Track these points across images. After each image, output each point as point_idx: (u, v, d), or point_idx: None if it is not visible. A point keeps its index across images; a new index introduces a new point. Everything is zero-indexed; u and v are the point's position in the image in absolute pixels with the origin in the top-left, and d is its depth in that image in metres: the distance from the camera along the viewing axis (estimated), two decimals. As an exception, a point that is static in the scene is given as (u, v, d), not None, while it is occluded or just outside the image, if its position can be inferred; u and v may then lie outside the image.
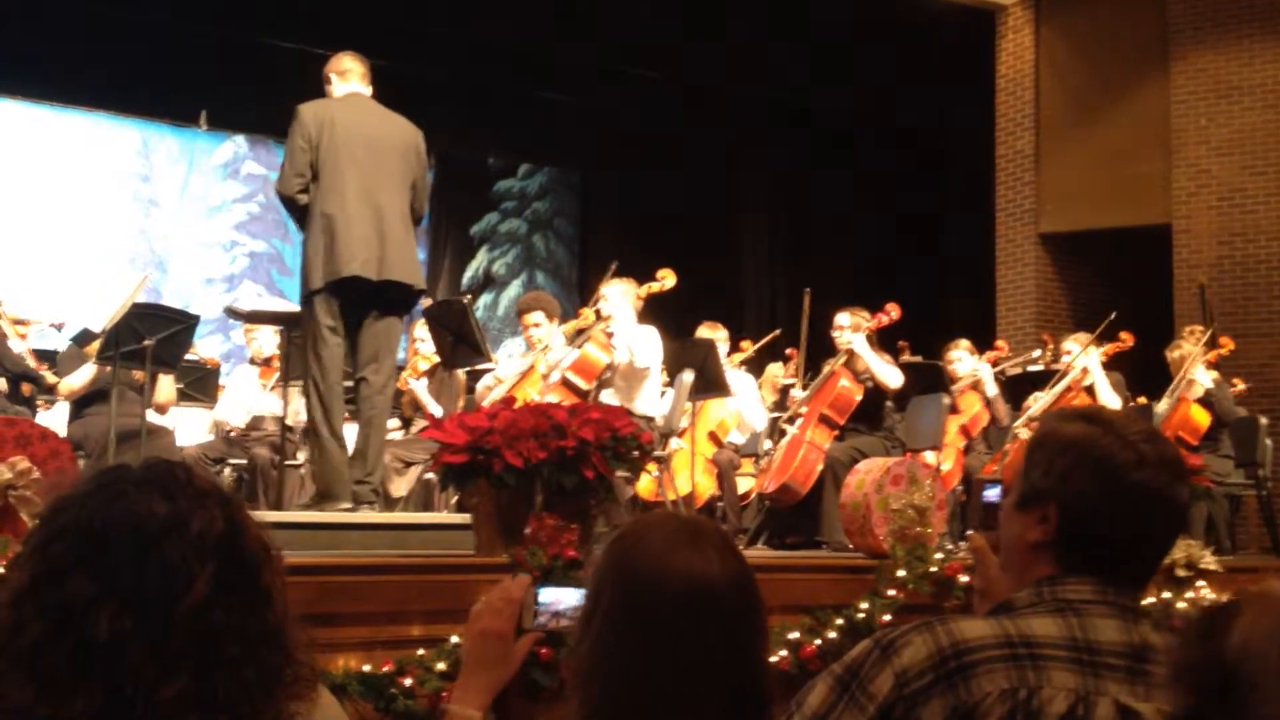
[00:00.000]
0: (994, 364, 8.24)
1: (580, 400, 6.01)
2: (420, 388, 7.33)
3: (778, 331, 9.13)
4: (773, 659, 3.97)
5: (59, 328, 7.41)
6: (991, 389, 7.75)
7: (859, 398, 6.66)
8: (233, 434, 7.18)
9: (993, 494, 2.13)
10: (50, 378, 6.53)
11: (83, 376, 6.53)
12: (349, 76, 5.32)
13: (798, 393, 7.11)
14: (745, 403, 7.42)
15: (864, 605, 4.47)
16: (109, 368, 6.37)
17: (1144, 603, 1.78)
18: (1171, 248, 10.87)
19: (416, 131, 5.34)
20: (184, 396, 7.39)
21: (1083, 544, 1.64)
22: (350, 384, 5.34)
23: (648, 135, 13.18)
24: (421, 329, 7.46)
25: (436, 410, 6.95)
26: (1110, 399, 7.09)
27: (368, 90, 5.36)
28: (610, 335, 6.40)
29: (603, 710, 1.47)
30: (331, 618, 3.39)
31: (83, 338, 6.51)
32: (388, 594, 3.62)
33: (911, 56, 11.89)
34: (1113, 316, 7.72)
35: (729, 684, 1.47)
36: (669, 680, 1.45)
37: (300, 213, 5.20)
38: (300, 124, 5.11)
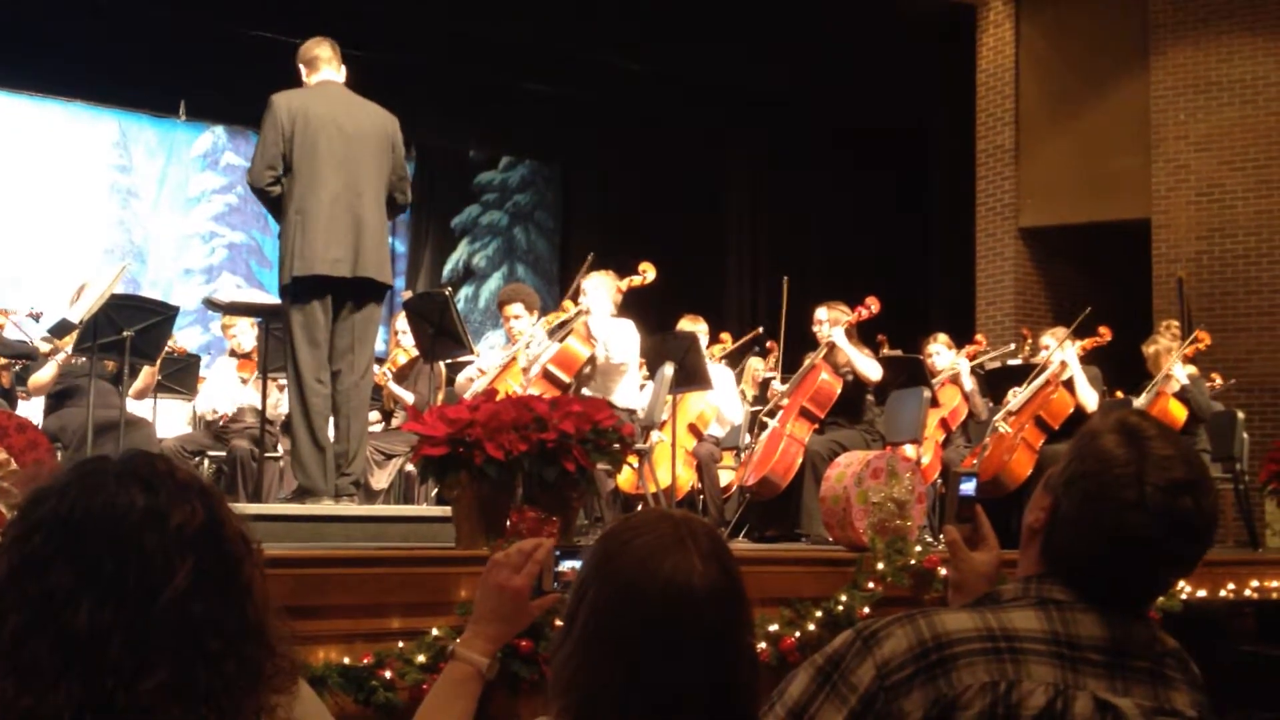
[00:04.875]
0: (972, 358, 8.27)
1: (561, 393, 6.01)
2: (395, 386, 7.32)
3: (759, 330, 9.14)
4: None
5: (36, 318, 7.36)
6: (969, 383, 7.78)
7: (839, 391, 6.68)
8: (221, 421, 7.15)
9: (968, 487, 2.13)
10: (44, 346, 6.49)
11: (48, 371, 6.48)
12: (319, 64, 5.27)
13: (778, 385, 7.13)
14: (723, 397, 7.43)
15: (843, 598, 4.48)
16: (75, 360, 6.34)
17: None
18: (1150, 242, 10.92)
19: (392, 119, 5.29)
20: (163, 388, 7.36)
21: (1060, 553, 1.64)
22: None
23: (629, 129, 13.16)
24: (403, 322, 7.44)
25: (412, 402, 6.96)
26: (1087, 394, 7.12)
27: (340, 76, 5.30)
28: (590, 328, 6.40)
29: (580, 716, 1.47)
30: (311, 610, 3.38)
31: (60, 329, 6.47)
32: (368, 587, 3.61)
33: (892, 51, 11.91)
34: (1088, 311, 7.75)
35: (705, 699, 1.45)
36: (643, 693, 1.43)
37: (273, 204, 5.17)
38: (273, 115, 5.06)
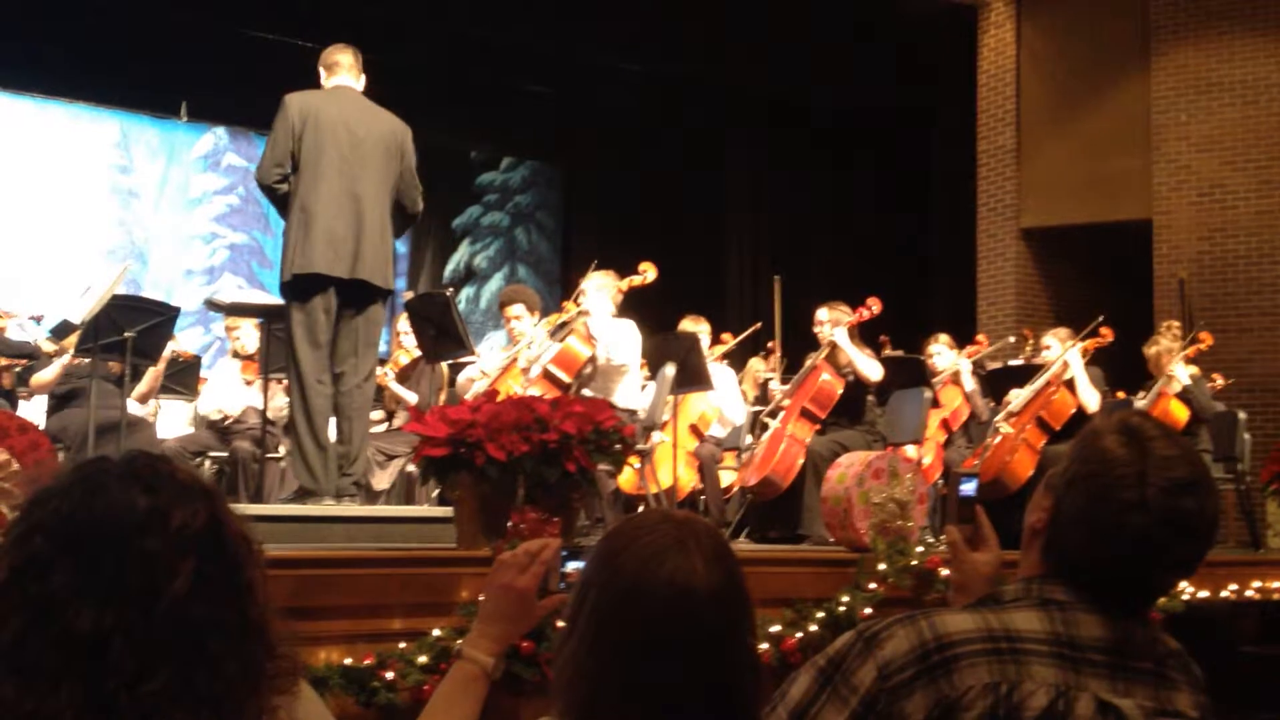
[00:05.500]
0: (973, 358, 8.28)
1: (562, 393, 6.01)
2: (396, 385, 7.32)
3: (758, 325, 9.13)
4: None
5: (38, 320, 7.37)
6: (969, 384, 7.77)
7: (840, 391, 6.68)
8: (226, 421, 7.15)
9: (968, 487, 2.12)
10: (47, 345, 6.51)
11: (52, 370, 6.49)
12: (338, 69, 5.32)
13: (776, 385, 7.12)
14: (725, 397, 7.43)
15: (845, 598, 4.48)
16: (80, 361, 6.34)
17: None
18: (1151, 243, 10.92)
19: (404, 127, 5.32)
20: (164, 389, 7.36)
21: (1061, 554, 1.64)
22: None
23: (629, 129, 13.17)
24: (404, 323, 7.44)
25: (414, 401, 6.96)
26: (1089, 394, 7.12)
27: (359, 83, 5.34)
28: (590, 328, 6.40)
29: (581, 717, 1.47)
30: (313, 611, 3.38)
31: (61, 330, 6.47)
32: (369, 587, 3.61)
33: (893, 53, 11.92)
34: (1100, 320, 7.74)
35: (707, 701, 1.45)
36: (644, 694, 1.43)
37: (280, 201, 5.19)
38: (284, 113, 5.10)
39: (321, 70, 5.36)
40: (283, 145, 5.08)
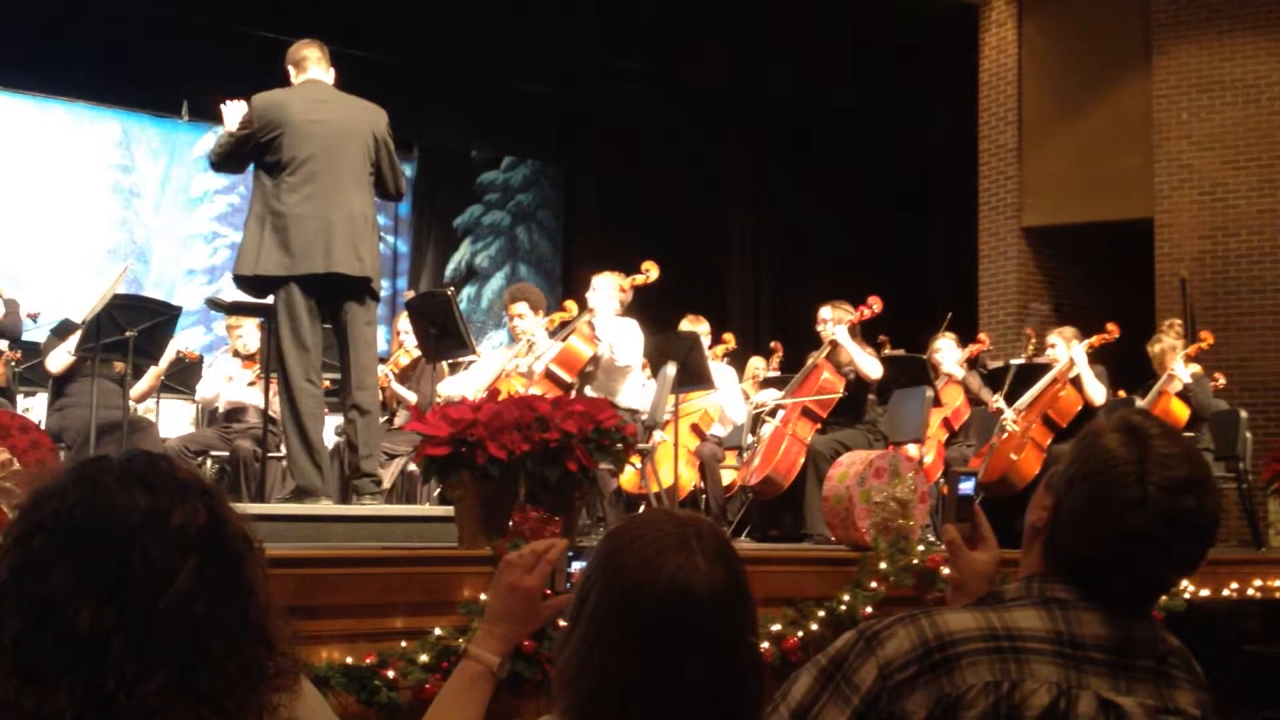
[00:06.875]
0: (974, 357, 8.27)
1: (564, 393, 6.00)
2: (397, 385, 7.32)
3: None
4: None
5: (34, 318, 7.38)
6: (962, 373, 7.73)
7: (841, 390, 6.68)
8: (217, 406, 7.15)
9: (966, 486, 2.12)
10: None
11: (64, 355, 6.49)
12: (306, 65, 5.26)
13: (762, 397, 7.15)
14: (726, 396, 7.42)
15: (846, 597, 4.48)
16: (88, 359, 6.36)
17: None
18: (1153, 242, 10.92)
19: (378, 113, 5.23)
20: (165, 388, 7.37)
21: (1062, 553, 1.64)
22: (331, 377, 5.30)
23: (629, 129, 13.17)
24: (405, 322, 7.44)
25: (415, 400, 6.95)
26: (1095, 389, 7.12)
27: (328, 76, 5.29)
28: (593, 328, 6.40)
29: (582, 716, 1.47)
30: (314, 610, 3.38)
31: (63, 329, 6.49)
32: (370, 586, 3.61)
33: (894, 53, 11.91)
34: (1112, 333, 7.73)
35: (708, 700, 1.45)
36: (645, 693, 1.43)
37: (236, 155, 5.14)
38: (249, 114, 5.07)
39: (290, 68, 5.30)
40: (237, 140, 5.04)
